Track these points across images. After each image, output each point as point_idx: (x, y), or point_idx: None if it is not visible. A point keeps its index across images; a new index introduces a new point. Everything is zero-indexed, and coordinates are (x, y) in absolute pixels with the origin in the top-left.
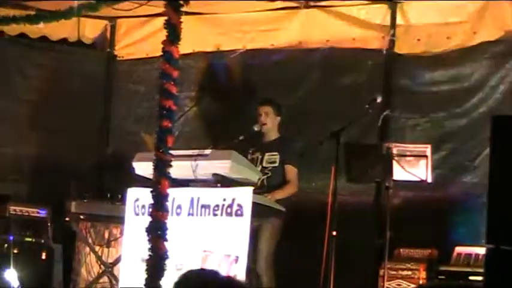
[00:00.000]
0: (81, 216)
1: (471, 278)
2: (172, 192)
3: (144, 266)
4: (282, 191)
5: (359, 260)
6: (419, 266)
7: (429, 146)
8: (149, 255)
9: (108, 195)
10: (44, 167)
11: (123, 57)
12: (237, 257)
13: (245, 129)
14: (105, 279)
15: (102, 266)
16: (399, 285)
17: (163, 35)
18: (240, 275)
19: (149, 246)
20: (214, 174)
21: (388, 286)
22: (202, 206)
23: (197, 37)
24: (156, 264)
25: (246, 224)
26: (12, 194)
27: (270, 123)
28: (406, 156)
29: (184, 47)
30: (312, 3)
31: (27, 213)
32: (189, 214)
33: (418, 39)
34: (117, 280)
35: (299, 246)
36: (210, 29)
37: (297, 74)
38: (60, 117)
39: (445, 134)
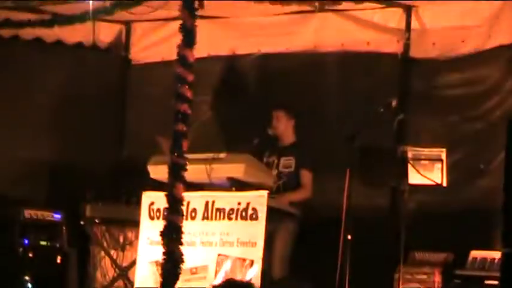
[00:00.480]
0: (96, 220)
1: (487, 282)
2: (187, 196)
3: (159, 270)
4: (295, 194)
5: (374, 264)
6: (435, 270)
7: (444, 149)
8: (164, 259)
9: (124, 199)
10: (59, 171)
11: (138, 61)
12: (252, 261)
13: (260, 133)
14: (120, 283)
15: (117, 269)
16: None
17: (178, 38)
18: (255, 279)
19: (164, 250)
20: (229, 178)
21: None
22: (217, 210)
23: (212, 41)
24: (171, 268)
25: (261, 227)
26: (28, 198)
27: (281, 127)
28: (421, 160)
29: (200, 50)
30: (326, 7)
31: (42, 217)
32: (204, 218)
33: (433, 43)
34: (132, 284)
35: (314, 251)
36: (225, 33)
37: (312, 78)
38: (76, 121)
39: (460, 137)
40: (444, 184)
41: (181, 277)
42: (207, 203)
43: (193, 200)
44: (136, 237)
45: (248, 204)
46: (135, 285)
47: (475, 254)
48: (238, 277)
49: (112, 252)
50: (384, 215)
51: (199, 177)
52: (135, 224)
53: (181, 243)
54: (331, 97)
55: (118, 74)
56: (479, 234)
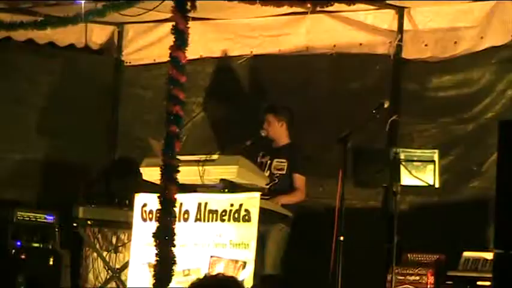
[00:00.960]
0: (89, 222)
1: (479, 283)
2: (180, 198)
3: (151, 272)
4: (288, 197)
5: (367, 265)
6: (427, 271)
7: (437, 151)
8: (157, 260)
9: (116, 200)
10: (51, 173)
11: (130, 62)
12: (245, 262)
13: (252, 135)
14: (112, 284)
15: (109, 271)
16: None
17: (170, 40)
18: (248, 280)
19: (157, 251)
20: (222, 180)
21: None
22: (210, 212)
23: (204, 42)
24: (163, 270)
25: (253, 229)
26: (20, 199)
27: (272, 130)
28: (413, 161)
29: (192, 52)
30: (319, 9)
31: (34, 219)
32: (196, 219)
33: (426, 45)
34: (124, 286)
35: (306, 252)
36: (218, 35)
37: (304, 79)
38: (68, 123)
39: (452, 139)
40: (436, 185)
41: (174, 279)
42: (199, 205)
43: (186, 201)
44: (129, 239)
45: (241, 205)
46: (128, 287)
47: (468, 255)
48: None
49: (105, 254)
50: (377, 216)
51: (192, 179)
52: (127, 225)
53: (173, 245)
54: (323, 98)
55: (110, 75)
56: (472, 235)
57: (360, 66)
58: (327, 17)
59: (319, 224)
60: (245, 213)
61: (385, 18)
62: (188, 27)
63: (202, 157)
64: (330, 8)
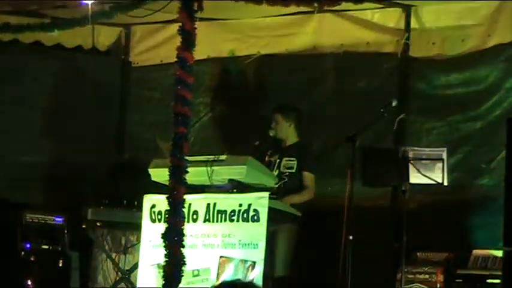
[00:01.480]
0: (98, 223)
1: (489, 281)
2: (189, 199)
3: (160, 273)
4: (298, 196)
5: (376, 264)
6: (437, 269)
7: (445, 149)
8: (166, 261)
9: (125, 202)
10: (59, 175)
11: (137, 63)
12: (254, 262)
13: (260, 135)
14: (122, 285)
15: (119, 273)
16: None
17: (177, 41)
18: (257, 280)
19: (166, 252)
20: (230, 180)
21: None
22: (219, 212)
23: (212, 43)
24: (172, 271)
25: (262, 229)
26: (29, 202)
27: (279, 130)
28: (422, 159)
29: (199, 53)
30: (326, 8)
31: (43, 221)
32: (205, 220)
33: (433, 43)
34: (134, 287)
35: (315, 251)
36: (225, 35)
37: (312, 79)
38: (76, 125)
39: (460, 137)
40: (445, 183)
41: (183, 279)
42: (208, 205)
43: (195, 202)
44: (138, 240)
45: (249, 205)
46: None
47: (477, 253)
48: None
49: (114, 255)
50: (386, 215)
51: (201, 180)
52: (136, 227)
53: (182, 246)
54: (331, 98)
55: (118, 77)
56: (481, 233)
57: (367, 65)
58: (334, 16)
59: (328, 224)
60: (254, 213)
61: (392, 17)
62: (195, 28)
63: (211, 158)
64: (337, 7)
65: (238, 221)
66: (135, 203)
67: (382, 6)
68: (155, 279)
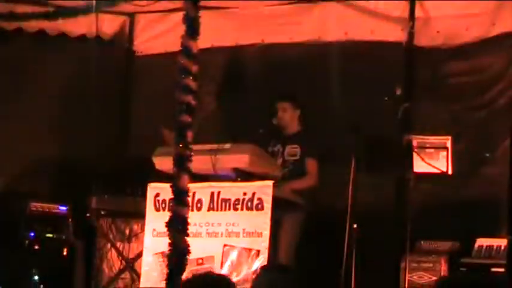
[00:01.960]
0: (102, 212)
1: (493, 269)
2: (193, 187)
3: (165, 261)
4: (300, 182)
5: (380, 252)
6: (441, 258)
7: (449, 137)
8: (170, 250)
9: (129, 190)
10: (64, 164)
11: (142, 52)
12: (258, 251)
13: (264, 123)
14: (126, 274)
15: (123, 261)
16: (421, 277)
17: (182, 30)
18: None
19: (170, 241)
20: (234, 169)
21: (410, 278)
22: (223, 201)
23: (215, 32)
24: (177, 259)
25: (266, 217)
26: (33, 191)
27: (287, 118)
28: (426, 148)
29: (203, 41)
30: None
31: (48, 210)
32: (209, 209)
33: (437, 31)
34: (138, 275)
35: (320, 240)
36: (229, 24)
37: (316, 67)
38: (80, 114)
39: (465, 125)
40: (449, 172)
41: (187, 268)
42: (212, 194)
43: (199, 191)
44: (142, 228)
45: (254, 194)
46: (141, 277)
47: (481, 242)
48: (244, 267)
49: (118, 244)
50: (390, 204)
51: (205, 168)
52: (140, 215)
53: (187, 234)
54: (335, 86)
55: (122, 65)
56: (485, 222)
57: (371, 53)
58: (338, 5)
59: (332, 212)
60: (258, 201)
61: (397, 6)
62: (199, 17)
63: (215, 146)
64: None
65: (242, 209)
66: (140, 191)
67: None
68: (159, 267)
